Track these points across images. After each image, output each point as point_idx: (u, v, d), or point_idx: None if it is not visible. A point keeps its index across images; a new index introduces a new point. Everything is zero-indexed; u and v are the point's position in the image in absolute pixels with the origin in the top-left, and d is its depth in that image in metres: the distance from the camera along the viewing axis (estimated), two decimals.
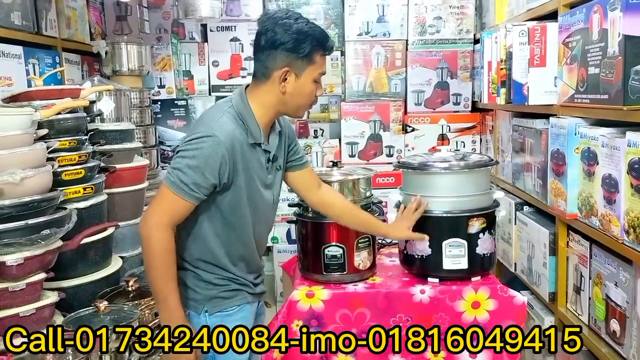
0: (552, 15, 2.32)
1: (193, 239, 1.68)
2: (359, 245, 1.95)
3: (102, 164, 2.46)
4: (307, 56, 1.60)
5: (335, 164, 2.06)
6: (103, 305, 2.01)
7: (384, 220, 2.04)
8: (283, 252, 3.77)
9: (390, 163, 3.57)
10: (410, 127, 3.59)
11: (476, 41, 3.53)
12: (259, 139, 1.66)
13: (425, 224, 1.93)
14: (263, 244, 1.85)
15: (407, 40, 3.58)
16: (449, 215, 1.90)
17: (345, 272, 1.95)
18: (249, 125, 1.63)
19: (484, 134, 3.52)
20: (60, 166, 2.14)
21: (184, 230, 1.68)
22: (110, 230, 2.35)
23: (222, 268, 1.70)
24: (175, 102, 3.52)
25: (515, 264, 2.77)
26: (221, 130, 1.58)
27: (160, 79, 3.48)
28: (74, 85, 2.39)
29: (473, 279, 1.94)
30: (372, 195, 2.05)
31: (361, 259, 1.96)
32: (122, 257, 2.53)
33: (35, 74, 2.51)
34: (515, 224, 2.72)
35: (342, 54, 3.65)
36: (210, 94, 3.72)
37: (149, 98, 3.12)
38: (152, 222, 1.58)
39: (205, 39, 3.67)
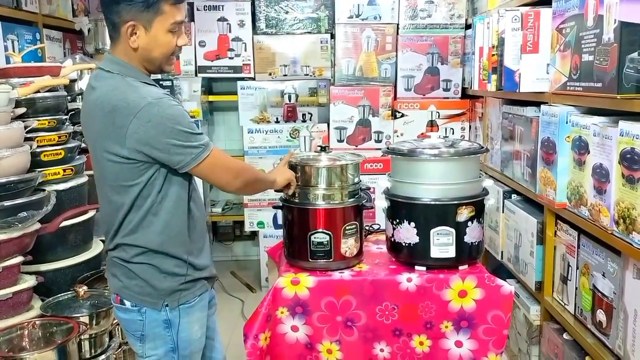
0: (546, 1, 2.28)
1: (153, 224, 1.56)
2: (346, 232, 1.91)
3: (83, 145, 2.40)
4: (152, 7, 1.48)
5: (323, 149, 2.01)
6: (82, 290, 1.96)
7: (371, 208, 2.00)
8: (269, 237, 3.74)
9: (379, 149, 3.53)
10: (399, 112, 3.55)
11: (468, 26, 3.49)
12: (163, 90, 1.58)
13: (414, 211, 1.90)
14: (206, 218, 1.80)
15: (398, 24, 3.52)
16: (437, 202, 1.87)
17: (331, 260, 1.91)
18: (151, 82, 1.56)
19: (474, 121, 3.49)
20: (39, 146, 2.09)
21: (144, 220, 1.55)
22: (91, 213, 2.29)
23: (179, 257, 1.59)
24: (160, 82, 3.44)
25: (502, 252, 2.76)
26: (152, 93, 1.48)
27: None
28: (54, 63, 2.32)
29: (460, 267, 1.91)
30: (360, 181, 2.01)
31: (348, 246, 1.92)
32: (103, 241, 2.47)
33: (14, 51, 2.43)
34: (503, 212, 2.71)
35: (332, 36, 3.59)
36: (196, 75, 3.64)
37: None
38: (235, 185, 1.61)
39: (192, 18, 3.59)
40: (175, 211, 1.57)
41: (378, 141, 3.58)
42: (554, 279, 2.29)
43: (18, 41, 2.51)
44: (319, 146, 2.03)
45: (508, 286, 1.88)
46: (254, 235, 4.16)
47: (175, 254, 1.58)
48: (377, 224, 2.40)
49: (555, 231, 2.25)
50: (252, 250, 4.36)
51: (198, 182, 1.71)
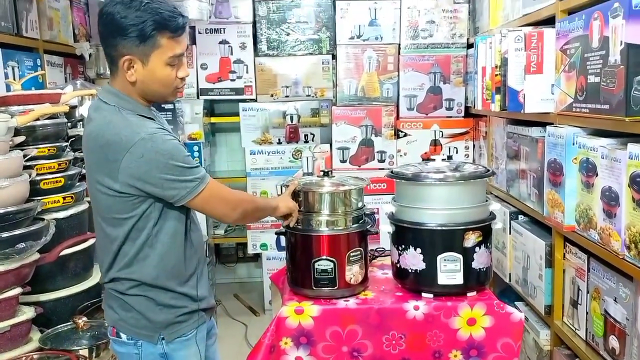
0: (549, 21, 2.26)
1: (149, 257, 1.52)
2: (351, 258, 1.87)
3: (84, 171, 2.37)
4: (148, 41, 1.44)
5: (326, 174, 1.98)
6: (82, 321, 1.92)
7: (376, 233, 1.96)
8: (273, 259, 3.70)
9: (382, 169, 3.51)
10: (402, 132, 3.52)
11: (469, 45, 3.48)
12: (164, 124, 1.58)
13: (419, 236, 1.86)
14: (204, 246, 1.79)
15: (399, 44, 3.51)
16: (443, 228, 1.83)
17: (336, 287, 1.87)
18: (149, 115, 1.53)
19: (477, 140, 3.46)
20: (38, 174, 2.06)
21: (139, 252, 1.52)
22: (91, 241, 2.26)
23: (174, 290, 1.55)
24: (162, 105, 3.43)
25: (509, 274, 2.71)
26: (145, 128, 1.46)
27: None
28: (54, 90, 2.31)
29: (469, 294, 1.87)
30: (364, 205, 1.98)
31: (352, 273, 1.88)
32: None
33: (14, 77, 2.41)
34: (510, 233, 2.66)
35: (334, 57, 3.58)
36: (198, 97, 3.63)
37: None
38: (232, 216, 1.60)
39: (193, 41, 3.58)
40: (172, 244, 1.54)
41: (381, 161, 3.55)
42: (564, 303, 2.24)
43: (19, 67, 2.50)
44: (321, 171, 1.99)
45: (518, 313, 1.84)
46: (257, 256, 4.12)
47: (171, 287, 1.55)
48: (382, 248, 2.36)
49: (564, 254, 2.20)
50: (255, 272, 4.32)
51: None
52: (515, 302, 2.65)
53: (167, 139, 1.47)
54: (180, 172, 1.46)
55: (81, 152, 2.39)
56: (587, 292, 2.02)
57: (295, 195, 1.90)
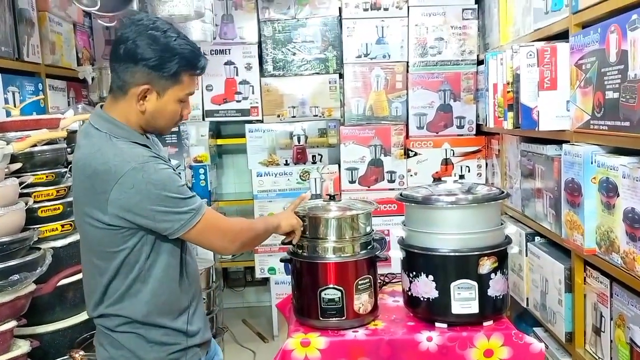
0: (561, 36, 2.18)
1: (140, 292, 1.45)
2: (359, 287, 1.78)
3: None
4: (172, 76, 1.43)
5: (332, 197, 1.90)
6: (79, 355, 1.84)
7: (385, 259, 1.87)
8: (281, 283, 3.61)
9: (392, 189, 3.42)
10: (412, 151, 3.44)
11: (480, 62, 3.40)
12: (154, 148, 1.51)
13: (431, 263, 1.77)
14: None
15: (407, 62, 3.45)
16: (457, 254, 1.74)
17: (344, 318, 1.77)
18: (145, 142, 1.47)
19: (490, 158, 3.37)
20: (36, 202, 1.99)
21: (131, 288, 1.45)
22: None
23: (170, 323, 1.48)
24: None
25: (527, 298, 2.59)
26: (138, 157, 1.39)
27: None
28: (54, 115, 2.25)
29: (485, 323, 1.76)
30: (372, 230, 1.89)
31: (361, 302, 1.79)
32: None
33: (15, 103, 2.37)
34: (527, 255, 2.56)
35: (341, 76, 3.52)
36: (203, 119, 3.58)
37: None
38: (229, 249, 1.56)
39: None
40: (165, 278, 1.47)
41: (391, 181, 3.46)
42: (585, 330, 2.12)
43: (19, 93, 2.45)
44: (327, 195, 1.91)
45: (538, 344, 1.73)
46: (265, 280, 4.03)
47: (163, 323, 1.48)
48: (393, 274, 2.26)
49: (585, 278, 2.09)
50: (264, 297, 4.22)
51: None
52: (534, 328, 2.53)
53: (160, 168, 1.40)
54: (173, 204, 1.39)
55: None
56: (611, 319, 1.91)
57: (300, 219, 1.82)
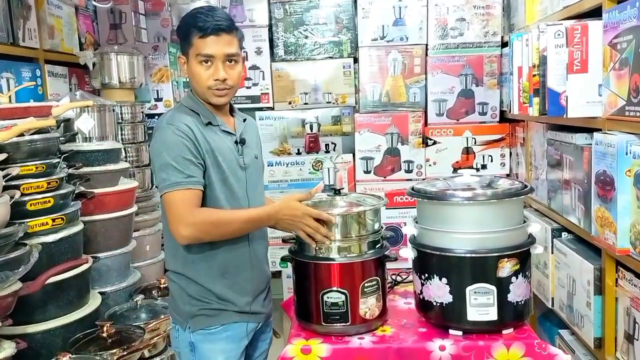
0: (593, 13, 1.98)
1: (176, 250, 1.68)
2: (365, 290, 1.63)
3: (81, 190, 2.20)
4: (185, 40, 1.68)
5: (337, 192, 1.75)
6: (66, 358, 1.73)
7: (395, 259, 1.71)
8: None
9: (410, 180, 3.25)
10: (431, 140, 3.26)
11: (504, 44, 3.19)
12: (213, 120, 1.70)
13: (445, 264, 1.60)
14: (259, 254, 1.76)
15: (426, 45, 3.25)
16: (474, 255, 1.57)
17: (348, 323, 1.62)
18: (198, 110, 1.69)
19: (514, 147, 3.17)
20: (24, 194, 1.88)
21: (168, 241, 1.72)
22: (87, 265, 2.08)
23: (202, 285, 1.68)
24: None
25: (552, 298, 2.41)
26: (173, 120, 1.65)
27: (157, 91, 3.20)
28: (46, 103, 2.13)
29: (504, 332, 1.60)
30: (381, 228, 1.73)
31: (368, 306, 1.63)
32: (102, 293, 2.25)
33: (9, 89, 2.26)
34: (553, 252, 2.37)
35: (356, 60, 3.35)
36: None
37: (142, 112, 2.85)
38: (181, 233, 1.59)
39: None
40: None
41: (408, 171, 3.29)
42: (616, 336, 1.94)
43: (15, 79, 2.34)
44: (332, 189, 1.76)
45: (564, 356, 1.56)
46: (279, 273, 3.90)
47: (197, 280, 1.67)
48: (407, 271, 2.10)
49: (617, 280, 1.91)
50: (276, 290, 4.08)
51: None
52: (560, 330, 2.36)
53: (176, 134, 1.61)
54: (164, 166, 1.59)
55: (76, 168, 2.22)
56: None
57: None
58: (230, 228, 1.63)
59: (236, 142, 1.73)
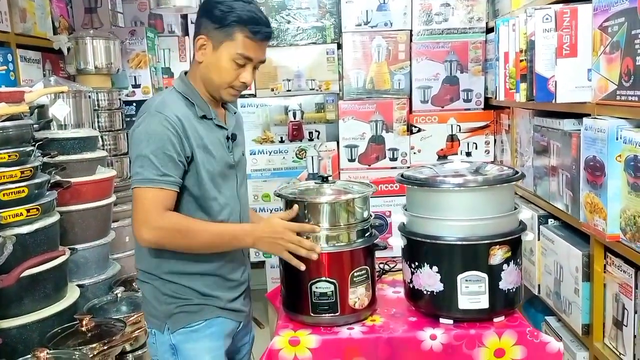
0: None
1: (147, 248, 1.56)
2: (354, 279, 1.59)
3: (56, 179, 2.11)
4: (225, 28, 1.53)
5: (325, 179, 1.70)
6: (43, 354, 1.66)
7: (384, 248, 1.67)
8: (276, 267, 3.40)
9: (395, 168, 3.21)
10: (415, 127, 3.22)
11: (489, 30, 3.16)
12: (208, 113, 1.59)
13: (436, 252, 1.57)
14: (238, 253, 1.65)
15: (411, 31, 3.20)
16: (464, 242, 1.54)
17: (337, 314, 1.59)
18: (193, 99, 1.59)
19: (499, 134, 3.15)
20: None
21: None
22: (64, 257, 2.00)
23: (179, 283, 1.57)
24: None
25: (538, 285, 2.40)
26: (164, 107, 1.53)
27: (135, 77, 3.11)
28: (17, 89, 2.04)
29: (495, 320, 1.58)
30: (370, 216, 1.69)
31: (357, 296, 1.60)
32: (81, 286, 2.18)
33: None
34: (539, 239, 2.36)
35: (339, 46, 3.28)
36: None
37: (120, 99, 2.76)
38: (142, 235, 1.48)
39: (186, 32, 3.32)
40: None
41: (393, 159, 3.25)
42: (604, 323, 1.93)
43: None
44: (320, 176, 1.71)
45: (556, 343, 1.55)
46: (262, 263, 3.85)
47: (172, 279, 1.56)
48: (394, 259, 2.07)
49: (605, 266, 1.90)
50: (260, 280, 4.04)
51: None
52: (546, 317, 2.36)
53: (161, 125, 1.48)
54: (140, 158, 1.48)
55: (51, 156, 2.14)
56: (635, 312, 1.72)
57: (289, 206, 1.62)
58: (198, 239, 1.50)
59: (227, 138, 1.63)
